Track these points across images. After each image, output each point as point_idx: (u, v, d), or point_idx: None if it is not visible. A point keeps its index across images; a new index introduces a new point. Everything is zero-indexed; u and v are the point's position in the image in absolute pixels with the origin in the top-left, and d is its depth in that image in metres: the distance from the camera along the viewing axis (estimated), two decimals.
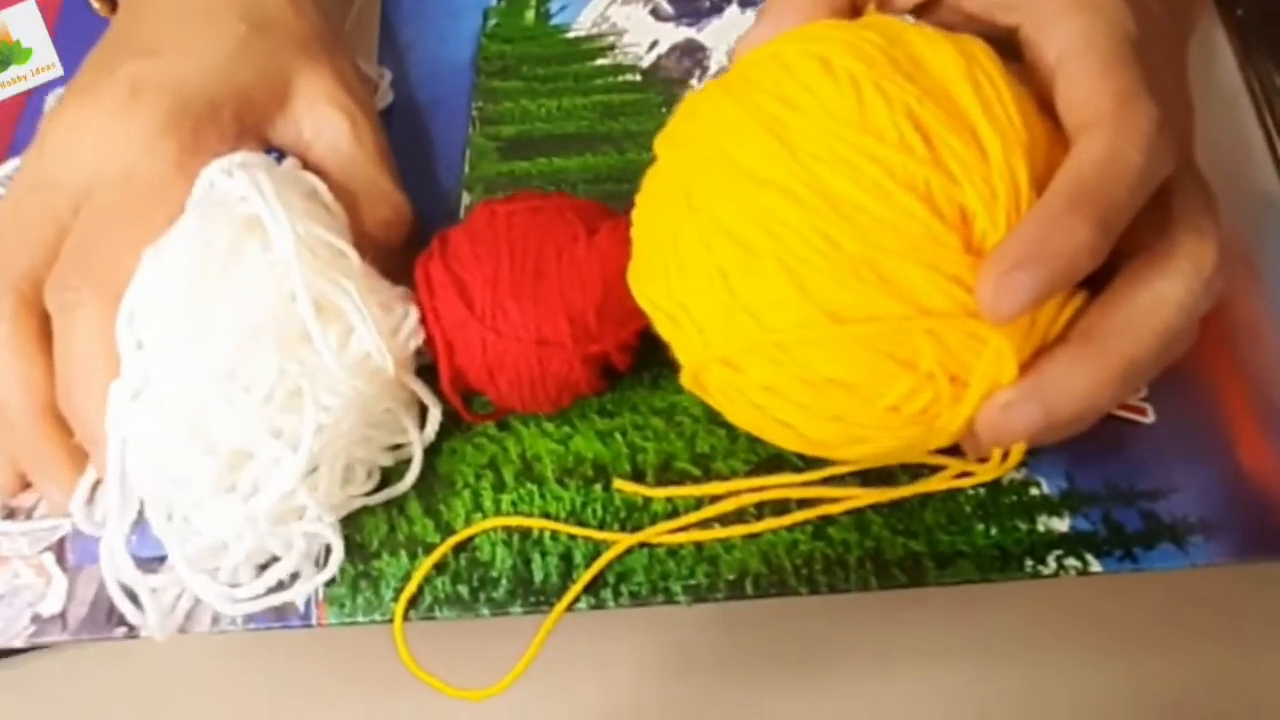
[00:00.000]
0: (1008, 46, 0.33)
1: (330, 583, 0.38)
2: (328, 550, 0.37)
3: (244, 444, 0.34)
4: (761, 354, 0.32)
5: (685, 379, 0.34)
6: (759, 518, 0.37)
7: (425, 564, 0.37)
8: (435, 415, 0.39)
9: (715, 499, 0.38)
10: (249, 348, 0.34)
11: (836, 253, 0.30)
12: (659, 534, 0.37)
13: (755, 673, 0.38)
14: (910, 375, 0.31)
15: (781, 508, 0.37)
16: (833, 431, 0.33)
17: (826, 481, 0.37)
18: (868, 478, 0.37)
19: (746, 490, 0.37)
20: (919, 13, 0.36)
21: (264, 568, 0.37)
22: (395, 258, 0.39)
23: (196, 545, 0.35)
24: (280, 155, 0.41)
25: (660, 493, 0.38)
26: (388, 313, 0.36)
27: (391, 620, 0.37)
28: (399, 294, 0.38)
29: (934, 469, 0.37)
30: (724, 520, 0.37)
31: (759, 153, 0.31)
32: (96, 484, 0.38)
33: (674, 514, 0.38)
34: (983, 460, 0.35)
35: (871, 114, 0.30)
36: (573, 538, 0.38)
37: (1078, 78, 0.31)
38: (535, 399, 0.38)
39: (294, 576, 0.37)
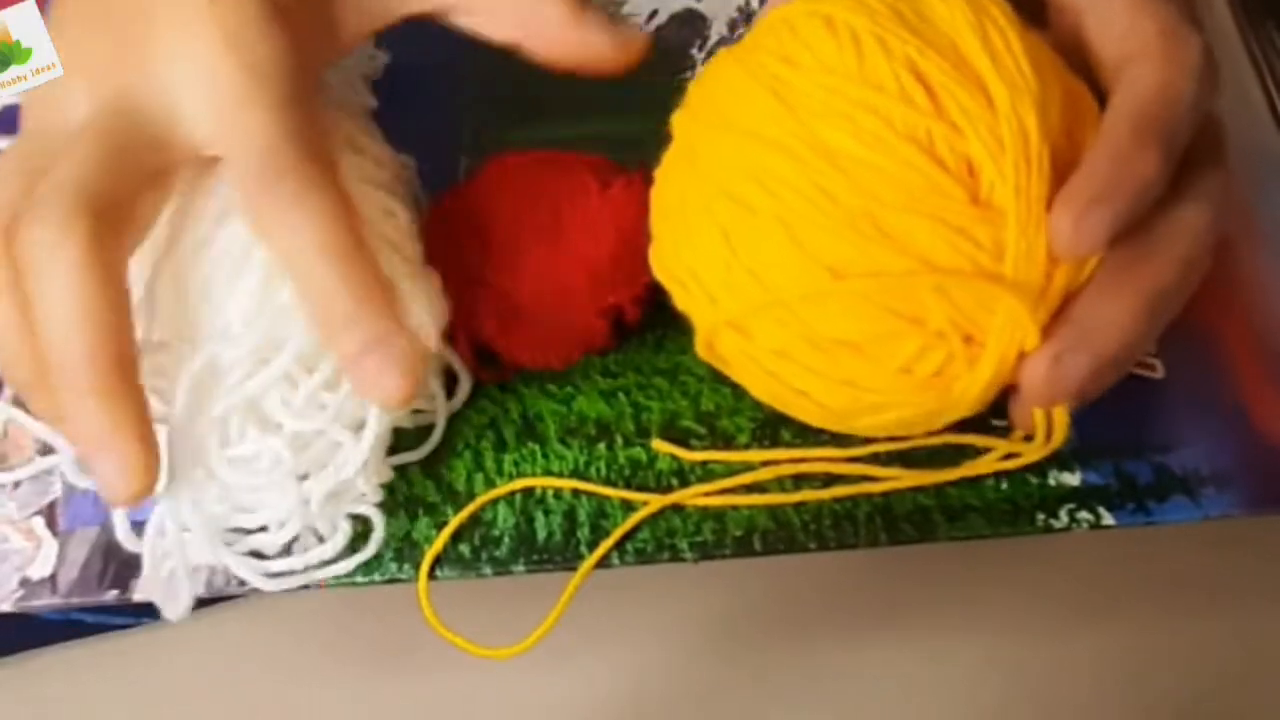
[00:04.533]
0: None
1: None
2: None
3: (306, 427, 0.34)
4: (767, 315, 0.31)
5: (700, 348, 0.34)
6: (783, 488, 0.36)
7: (454, 521, 0.36)
8: (465, 385, 0.38)
9: (751, 466, 0.36)
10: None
11: (834, 207, 0.30)
12: (694, 496, 0.36)
13: (791, 627, 0.37)
14: (919, 333, 0.30)
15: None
16: (847, 398, 0.32)
17: (871, 459, 0.36)
18: (910, 459, 0.36)
19: (786, 461, 0.36)
20: None
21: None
22: None
23: (232, 523, 0.35)
24: None
25: (698, 456, 0.37)
26: (425, 283, 0.36)
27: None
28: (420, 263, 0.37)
29: (980, 451, 0.36)
30: (759, 488, 0.36)
31: (759, 113, 0.31)
32: None
33: (679, 473, 0.37)
34: (1027, 439, 0.35)
35: (871, 66, 0.30)
36: (576, 494, 0.37)
37: (1113, 12, 0.31)
38: (547, 352, 0.37)
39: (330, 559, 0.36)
